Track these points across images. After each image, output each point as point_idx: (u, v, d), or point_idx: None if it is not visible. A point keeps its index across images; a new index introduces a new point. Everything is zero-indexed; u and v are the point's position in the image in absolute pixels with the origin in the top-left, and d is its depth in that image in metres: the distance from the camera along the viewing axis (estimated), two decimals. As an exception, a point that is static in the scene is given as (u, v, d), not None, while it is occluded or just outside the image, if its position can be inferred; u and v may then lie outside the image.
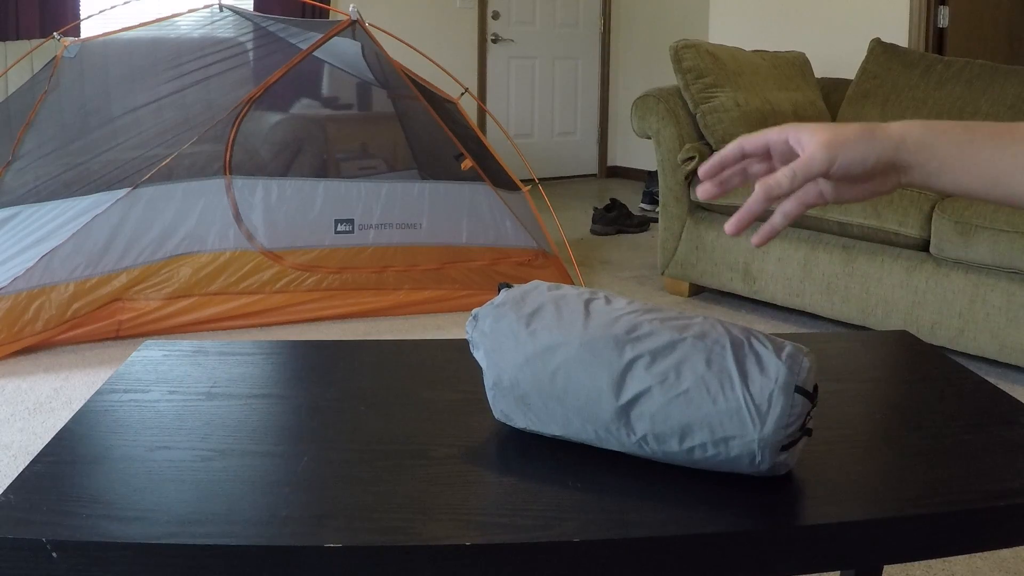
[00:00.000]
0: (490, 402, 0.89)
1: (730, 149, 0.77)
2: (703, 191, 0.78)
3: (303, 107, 3.55)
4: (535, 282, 0.92)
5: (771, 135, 0.77)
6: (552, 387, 0.83)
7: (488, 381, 0.88)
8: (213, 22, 3.33)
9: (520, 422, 0.87)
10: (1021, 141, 0.73)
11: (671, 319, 0.84)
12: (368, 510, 0.74)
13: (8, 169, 2.90)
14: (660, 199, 3.51)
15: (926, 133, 0.75)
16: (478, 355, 0.89)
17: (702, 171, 0.79)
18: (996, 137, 0.74)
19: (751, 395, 0.76)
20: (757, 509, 0.76)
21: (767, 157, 0.79)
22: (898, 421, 0.95)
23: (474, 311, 0.90)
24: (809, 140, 0.74)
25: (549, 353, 0.83)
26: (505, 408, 0.88)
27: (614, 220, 4.73)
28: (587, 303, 0.87)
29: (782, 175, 0.73)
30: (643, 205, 5.32)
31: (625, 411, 0.80)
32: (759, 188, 0.73)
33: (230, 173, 3.02)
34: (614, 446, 0.83)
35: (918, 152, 0.74)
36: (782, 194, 0.73)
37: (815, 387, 0.80)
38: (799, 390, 0.77)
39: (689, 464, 0.80)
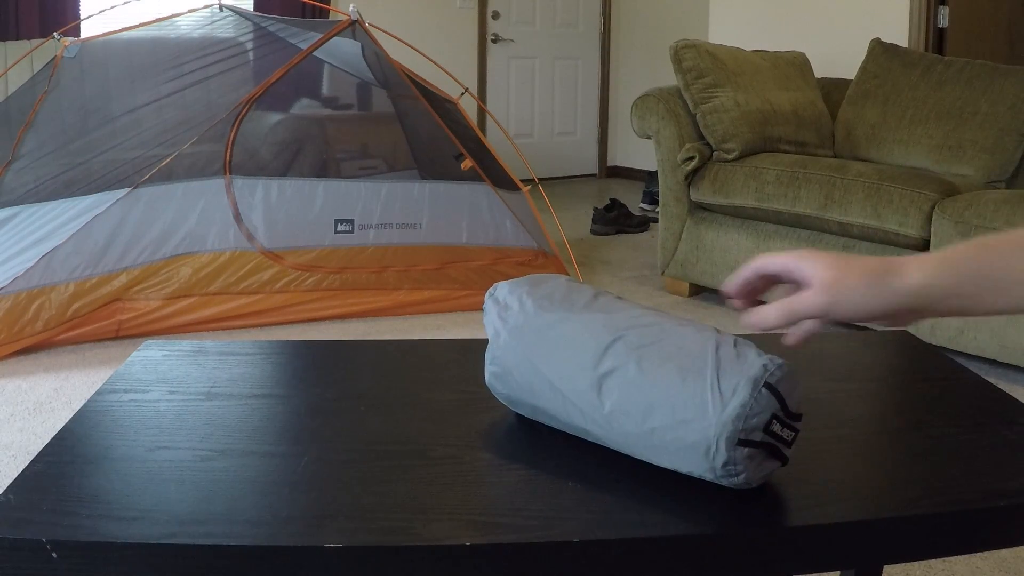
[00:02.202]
0: (485, 366, 0.92)
1: (749, 271, 0.78)
2: (735, 305, 0.81)
3: (303, 107, 3.55)
4: (558, 275, 0.96)
5: (788, 262, 0.76)
6: (540, 353, 0.86)
7: (489, 344, 0.91)
8: (213, 22, 3.33)
9: (502, 389, 0.90)
10: None
11: (675, 318, 0.85)
12: (368, 510, 0.74)
13: (8, 169, 2.90)
14: (660, 199, 3.51)
15: (943, 273, 0.69)
16: (487, 320, 0.92)
17: (727, 288, 0.80)
18: (1018, 247, 0.68)
19: (719, 382, 0.76)
20: (757, 509, 0.76)
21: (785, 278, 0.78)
22: (898, 421, 0.95)
23: (495, 284, 0.94)
24: (813, 277, 0.73)
25: (547, 323, 0.87)
26: (494, 371, 0.90)
27: (614, 220, 4.73)
28: (597, 295, 0.90)
29: (775, 311, 0.74)
30: (643, 205, 5.32)
31: (599, 382, 0.81)
32: (752, 317, 0.76)
33: (230, 173, 3.02)
34: (581, 421, 0.83)
35: (935, 296, 0.69)
36: (771, 328, 0.75)
37: (799, 414, 0.78)
38: (768, 387, 0.75)
39: (650, 451, 0.79)
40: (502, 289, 0.93)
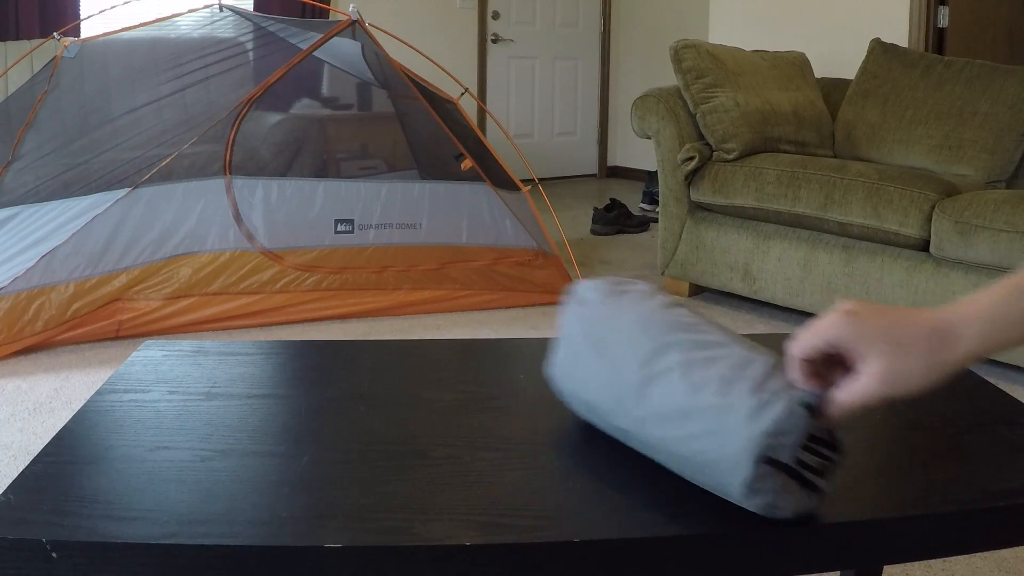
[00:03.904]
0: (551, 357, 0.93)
1: (795, 363, 0.74)
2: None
3: (303, 107, 3.55)
4: (644, 282, 0.95)
5: (833, 339, 0.70)
6: (598, 345, 0.85)
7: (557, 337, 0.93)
8: (213, 22, 3.33)
9: (555, 374, 0.92)
10: None
11: (744, 341, 0.82)
12: (368, 510, 0.74)
13: (8, 169, 2.90)
14: (660, 199, 3.51)
15: (992, 333, 0.69)
16: (562, 313, 0.93)
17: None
18: None
19: (756, 396, 0.73)
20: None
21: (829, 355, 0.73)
22: (898, 421, 0.95)
23: (579, 280, 0.95)
24: (865, 364, 0.69)
25: (609, 316, 0.87)
26: (555, 359, 0.91)
27: (614, 220, 4.73)
28: (673, 304, 0.88)
29: (837, 409, 0.71)
30: (643, 205, 5.32)
31: (644, 383, 0.80)
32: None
33: (230, 173, 3.02)
34: (622, 421, 0.82)
35: (986, 354, 0.70)
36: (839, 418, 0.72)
37: (838, 445, 0.74)
38: (807, 408, 0.72)
39: (680, 462, 0.78)
40: (585, 285, 0.93)
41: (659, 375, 0.79)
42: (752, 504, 0.73)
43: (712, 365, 0.77)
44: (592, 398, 0.86)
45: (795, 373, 0.74)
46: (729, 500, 0.74)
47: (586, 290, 0.92)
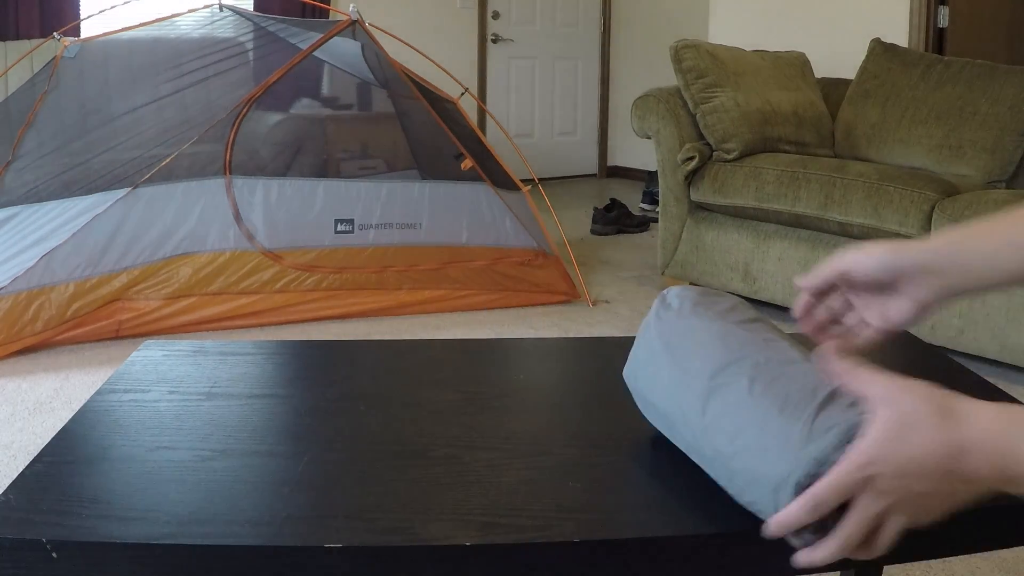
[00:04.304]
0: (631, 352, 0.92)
1: (803, 299, 0.85)
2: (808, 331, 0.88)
3: (303, 107, 3.55)
4: (732, 296, 0.92)
5: (826, 273, 0.83)
6: (671, 351, 0.84)
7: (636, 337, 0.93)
8: (213, 22, 3.33)
9: (629, 376, 0.91)
10: None
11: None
12: (368, 510, 0.74)
13: (8, 169, 2.90)
14: (660, 199, 3.51)
15: (950, 237, 0.78)
16: (650, 311, 0.92)
17: (801, 326, 0.87)
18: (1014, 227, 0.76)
19: (814, 420, 0.70)
20: (757, 509, 0.75)
21: (834, 288, 0.85)
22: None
23: (668, 288, 0.94)
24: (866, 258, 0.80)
25: (690, 325, 0.86)
26: (631, 361, 0.91)
27: (614, 220, 4.73)
28: (756, 319, 0.87)
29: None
30: (643, 205, 5.32)
31: (709, 395, 0.78)
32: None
33: (230, 173, 3.02)
34: (684, 431, 0.81)
35: (946, 256, 0.78)
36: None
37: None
38: None
39: (729, 477, 0.75)
40: (673, 291, 0.92)
41: (723, 388, 0.77)
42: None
43: (778, 383, 0.75)
44: (661, 405, 0.85)
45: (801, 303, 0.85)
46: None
47: (673, 296, 0.91)
